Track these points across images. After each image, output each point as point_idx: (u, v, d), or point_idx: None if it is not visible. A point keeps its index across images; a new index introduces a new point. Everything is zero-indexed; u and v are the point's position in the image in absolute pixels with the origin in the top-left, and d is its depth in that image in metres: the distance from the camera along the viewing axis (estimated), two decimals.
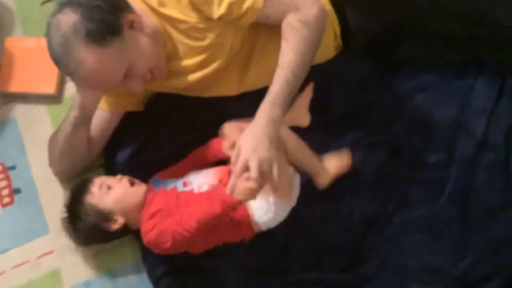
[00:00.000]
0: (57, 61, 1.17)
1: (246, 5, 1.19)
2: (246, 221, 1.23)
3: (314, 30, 1.19)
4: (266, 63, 1.18)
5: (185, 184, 1.26)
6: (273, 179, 1.11)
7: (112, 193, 1.24)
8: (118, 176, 1.28)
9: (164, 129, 1.42)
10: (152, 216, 1.21)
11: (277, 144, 1.13)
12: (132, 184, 1.26)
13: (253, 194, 1.11)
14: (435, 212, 1.32)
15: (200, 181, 1.26)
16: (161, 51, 1.26)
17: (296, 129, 1.35)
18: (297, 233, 1.31)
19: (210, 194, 1.21)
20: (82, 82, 1.20)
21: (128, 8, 1.20)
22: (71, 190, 1.31)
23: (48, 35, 1.16)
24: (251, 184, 1.09)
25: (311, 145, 1.32)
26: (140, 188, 1.26)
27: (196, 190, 1.24)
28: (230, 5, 1.18)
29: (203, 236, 1.19)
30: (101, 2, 1.15)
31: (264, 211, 1.23)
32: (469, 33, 1.37)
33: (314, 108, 1.40)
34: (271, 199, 1.22)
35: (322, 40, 1.22)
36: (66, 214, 1.29)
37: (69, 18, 1.13)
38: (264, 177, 1.10)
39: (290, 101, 1.16)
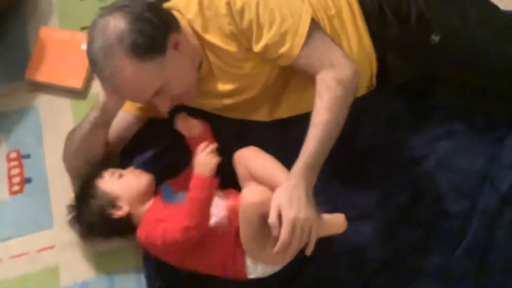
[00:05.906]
0: (93, 62, 1.15)
1: (282, 50, 1.17)
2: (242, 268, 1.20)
3: (349, 90, 1.18)
4: (299, 96, 1.17)
5: None
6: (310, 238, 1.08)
7: (122, 180, 1.26)
8: (131, 168, 1.30)
9: (185, 139, 1.40)
10: (154, 219, 1.21)
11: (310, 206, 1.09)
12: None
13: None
14: (451, 263, 1.28)
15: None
16: (196, 76, 1.24)
17: None
18: (305, 265, 1.26)
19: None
20: (113, 90, 1.18)
21: (177, 28, 1.18)
22: (84, 176, 1.30)
23: (91, 33, 1.14)
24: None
25: (333, 176, 1.29)
26: (146, 177, 1.27)
27: None
28: (266, 46, 1.17)
29: (192, 251, 1.18)
30: (154, 17, 1.13)
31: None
32: (502, 91, 1.36)
33: (339, 139, 1.38)
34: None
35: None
36: (74, 197, 1.29)
37: (118, 24, 1.11)
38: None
39: (323, 162, 1.14)
